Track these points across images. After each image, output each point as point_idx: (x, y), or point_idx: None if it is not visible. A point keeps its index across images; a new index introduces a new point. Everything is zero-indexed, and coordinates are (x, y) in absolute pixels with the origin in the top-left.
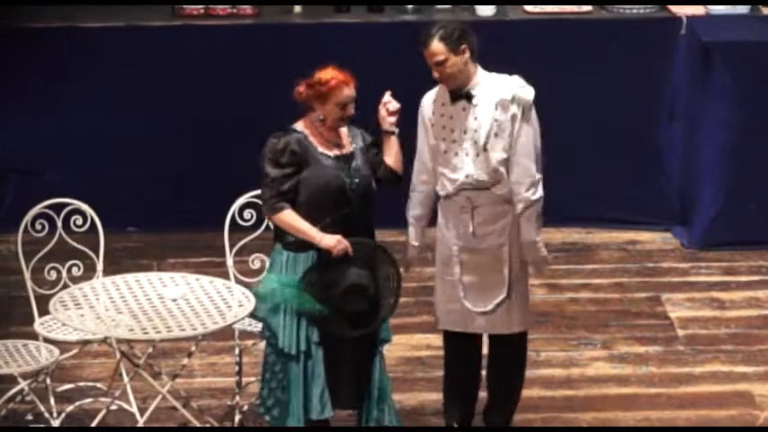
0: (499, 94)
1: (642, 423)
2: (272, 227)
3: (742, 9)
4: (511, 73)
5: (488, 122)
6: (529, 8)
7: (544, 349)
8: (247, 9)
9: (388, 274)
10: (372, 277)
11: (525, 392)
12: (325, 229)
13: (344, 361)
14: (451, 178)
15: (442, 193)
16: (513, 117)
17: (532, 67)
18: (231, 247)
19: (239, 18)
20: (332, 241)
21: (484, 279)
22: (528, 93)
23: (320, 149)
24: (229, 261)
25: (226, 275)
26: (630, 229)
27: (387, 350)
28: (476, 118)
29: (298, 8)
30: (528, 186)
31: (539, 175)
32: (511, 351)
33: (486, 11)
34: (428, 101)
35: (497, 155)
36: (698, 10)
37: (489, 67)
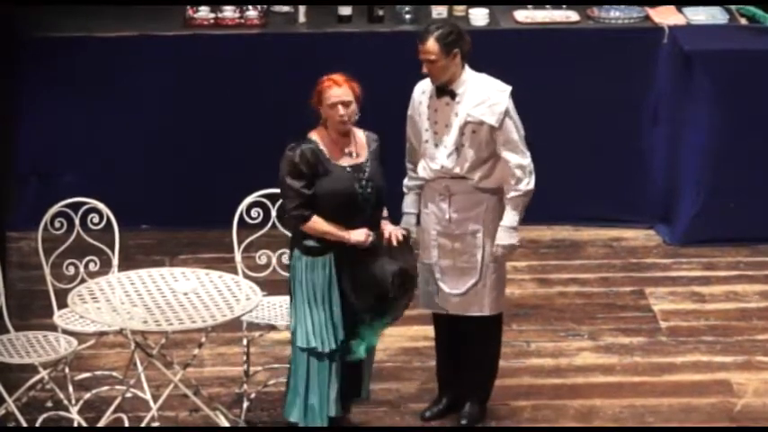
0: (480, 97)
1: (627, 410)
2: (280, 229)
3: (721, 19)
4: (503, 79)
5: (463, 121)
6: (520, 18)
7: (534, 340)
8: (254, 20)
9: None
10: (404, 259)
11: (516, 380)
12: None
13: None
14: (430, 167)
15: (423, 175)
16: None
17: (524, 73)
18: (239, 243)
19: (246, 28)
20: (361, 236)
21: (459, 263)
22: (501, 104)
23: (333, 160)
24: (237, 257)
25: (234, 270)
26: (616, 227)
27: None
28: (456, 114)
29: (302, 18)
30: (519, 178)
31: (530, 165)
32: (485, 334)
33: (479, 21)
34: (419, 90)
35: (473, 151)
36: (680, 20)
37: (482, 72)
